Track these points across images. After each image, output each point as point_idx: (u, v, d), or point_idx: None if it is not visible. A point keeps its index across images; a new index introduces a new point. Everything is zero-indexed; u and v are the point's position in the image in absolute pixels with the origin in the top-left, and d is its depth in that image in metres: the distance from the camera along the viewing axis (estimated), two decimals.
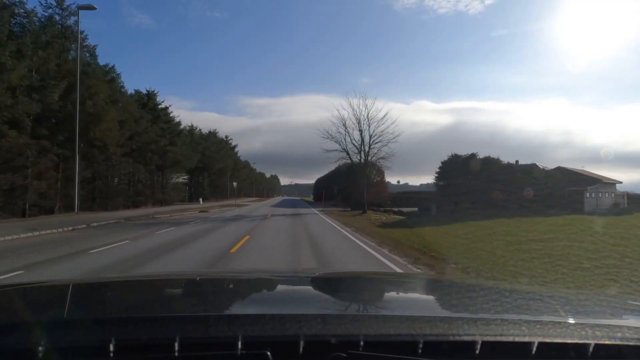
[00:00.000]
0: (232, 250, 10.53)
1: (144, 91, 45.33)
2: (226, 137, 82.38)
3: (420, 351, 0.91)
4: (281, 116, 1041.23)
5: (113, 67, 34.57)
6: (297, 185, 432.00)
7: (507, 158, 42.43)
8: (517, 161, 45.32)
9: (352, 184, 41.34)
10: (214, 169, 69.71)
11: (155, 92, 45.94)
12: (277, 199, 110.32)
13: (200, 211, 32.72)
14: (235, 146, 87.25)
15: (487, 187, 38.34)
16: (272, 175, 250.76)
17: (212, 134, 73.48)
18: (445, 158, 42.89)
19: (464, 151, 42.30)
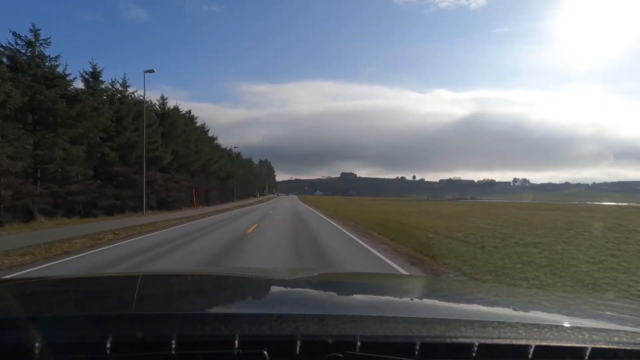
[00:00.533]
0: None
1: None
2: (189, 112, 50.08)
3: (417, 353, 0.91)
4: (283, 106, 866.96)
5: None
6: (298, 180, 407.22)
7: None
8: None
9: None
10: (182, 161, 42.46)
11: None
12: (269, 204, 57.30)
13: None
14: (207, 130, 58.05)
15: None
16: (262, 163, 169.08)
17: (174, 110, 44.06)
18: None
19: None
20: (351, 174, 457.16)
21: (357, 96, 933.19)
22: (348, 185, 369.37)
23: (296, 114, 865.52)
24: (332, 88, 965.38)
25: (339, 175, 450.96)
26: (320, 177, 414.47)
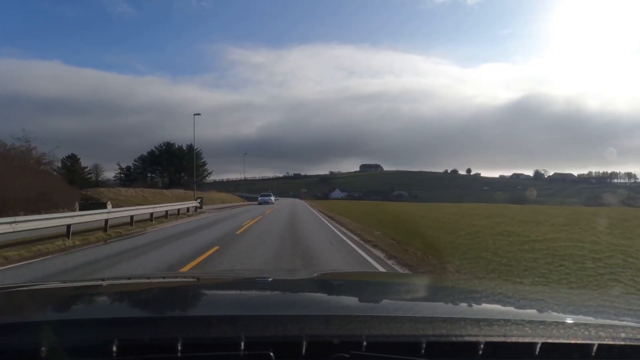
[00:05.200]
0: None
1: None
2: None
3: (422, 352, 0.91)
4: (283, 85, 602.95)
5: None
6: (298, 175, 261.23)
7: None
8: None
9: None
10: None
11: None
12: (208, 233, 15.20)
13: None
14: None
15: None
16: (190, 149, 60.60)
17: None
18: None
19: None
20: (376, 166, 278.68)
21: (381, 70, 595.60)
22: (372, 182, 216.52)
23: (299, 96, 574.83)
24: (350, 57, 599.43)
25: (357, 169, 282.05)
26: (330, 172, 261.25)
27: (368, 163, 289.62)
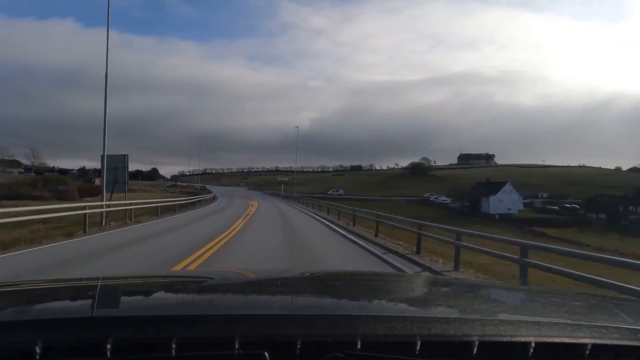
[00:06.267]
0: None
1: None
2: None
3: (417, 351, 0.92)
4: (343, 61, 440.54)
5: None
6: (358, 167, 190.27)
7: None
8: None
9: None
10: None
11: None
12: None
13: None
14: None
15: None
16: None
17: None
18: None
19: None
20: (484, 156, 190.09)
21: (480, 39, 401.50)
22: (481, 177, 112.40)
23: (362, 77, 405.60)
24: (443, 15, 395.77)
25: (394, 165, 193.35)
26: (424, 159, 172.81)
27: (468, 153, 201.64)
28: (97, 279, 1.88)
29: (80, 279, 2.47)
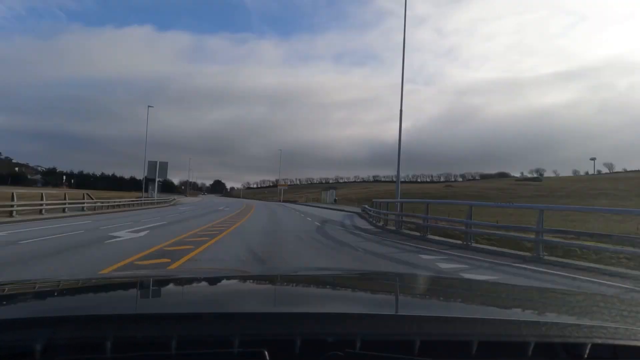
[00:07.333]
0: None
1: None
2: None
3: (417, 351, 0.91)
4: (452, 51, 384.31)
5: None
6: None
7: None
8: None
9: None
10: None
11: None
12: None
13: None
14: None
15: None
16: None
17: None
18: None
19: None
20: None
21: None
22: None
23: (470, 75, 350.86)
24: None
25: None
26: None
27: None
28: (97, 277, 1.87)
29: (77, 277, 2.48)
